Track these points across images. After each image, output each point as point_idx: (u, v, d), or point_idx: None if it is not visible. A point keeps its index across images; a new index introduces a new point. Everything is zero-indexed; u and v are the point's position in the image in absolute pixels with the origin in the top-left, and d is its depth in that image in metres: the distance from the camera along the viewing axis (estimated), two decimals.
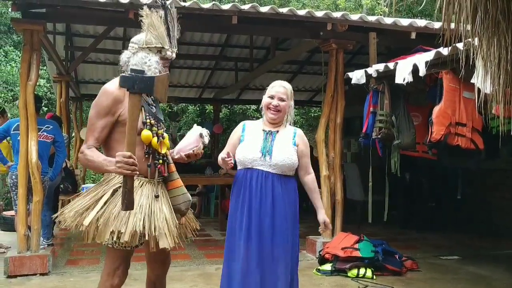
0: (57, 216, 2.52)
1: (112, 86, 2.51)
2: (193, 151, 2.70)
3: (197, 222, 2.84)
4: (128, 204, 2.27)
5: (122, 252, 2.52)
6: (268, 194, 2.93)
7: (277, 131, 3.05)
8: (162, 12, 2.54)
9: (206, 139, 2.75)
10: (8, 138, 5.55)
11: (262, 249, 2.88)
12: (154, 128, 2.54)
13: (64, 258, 5.69)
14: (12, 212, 6.75)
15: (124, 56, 2.60)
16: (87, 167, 2.63)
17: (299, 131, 3.14)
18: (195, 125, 2.85)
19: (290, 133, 3.08)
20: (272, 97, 3.03)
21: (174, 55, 2.64)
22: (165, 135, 2.63)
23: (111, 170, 2.32)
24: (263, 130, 3.06)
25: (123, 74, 2.26)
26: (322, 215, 3.13)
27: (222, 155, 2.94)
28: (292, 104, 3.09)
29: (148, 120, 2.53)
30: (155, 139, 2.52)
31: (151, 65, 2.52)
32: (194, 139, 2.73)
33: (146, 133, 2.49)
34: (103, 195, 2.45)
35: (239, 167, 3.07)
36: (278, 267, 2.88)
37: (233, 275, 2.94)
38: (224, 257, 3.03)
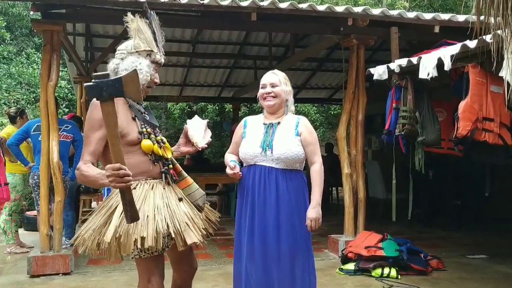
0: (76, 238, 2.40)
1: None
2: (208, 142, 2.77)
3: (217, 213, 2.77)
4: (132, 216, 2.13)
5: (152, 259, 2.41)
6: (272, 191, 2.82)
7: (278, 123, 2.93)
8: (146, 19, 2.53)
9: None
10: (28, 139, 5.59)
11: (266, 247, 2.79)
12: (152, 136, 2.49)
13: (86, 257, 5.70)
14: (34, 212, 6.81)
15: (112, 64, 2.50)
16: (83, 183, 2.52)
17: (303, 119, 2.97)
18: (196, 116, 2.83)
19: (293, 122, 2.93)
20: (264, 87, 2.95)
21: (163, 60, 2.59)
22: (164, 139, 2.59)
23: (106, 184, 2.18)
24: (264, 124, 2.96)
25: (88, 84, 2.00)
26: (309, 211, 2.83)
27: (228, 167, 2.88)
28: (288, 90, 2.94)
29: (144, 129, 2.47)
30: (156, 146, 2.47)
31: (142, 68, 2.46)
32: (203, 130, 2.76)
33: (146, 143, 2.44)
34: (116, 207, 2.34)
35: (244, 164, 2.99)
36: (284, 265, 2.78)
37: (240, 274, 2.90)
38: (234, 257, 2.99)
